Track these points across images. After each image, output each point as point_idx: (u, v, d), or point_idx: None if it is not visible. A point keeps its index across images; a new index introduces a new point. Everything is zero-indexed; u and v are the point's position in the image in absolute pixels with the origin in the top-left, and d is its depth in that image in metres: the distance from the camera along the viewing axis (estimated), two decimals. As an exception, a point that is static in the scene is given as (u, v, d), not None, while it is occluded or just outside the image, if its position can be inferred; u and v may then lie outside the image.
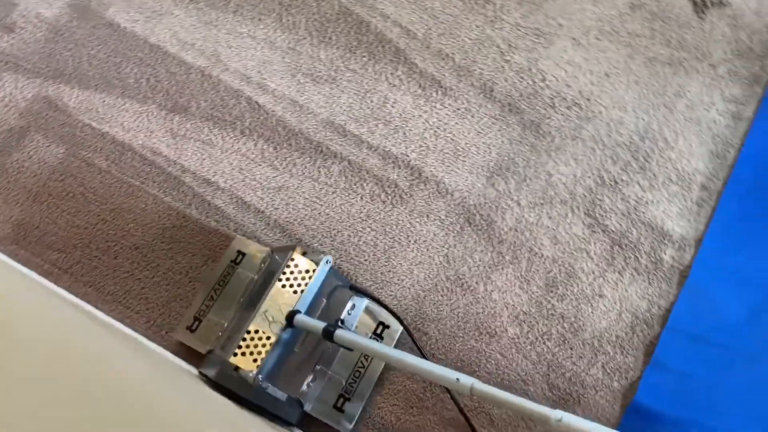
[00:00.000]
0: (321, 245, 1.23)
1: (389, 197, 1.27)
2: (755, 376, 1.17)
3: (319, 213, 1.25)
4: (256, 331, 1.00)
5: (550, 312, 1.19)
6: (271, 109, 1.33)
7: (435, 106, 1.34)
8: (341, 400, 1.09)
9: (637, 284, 1.22)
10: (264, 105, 1.33)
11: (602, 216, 1.27)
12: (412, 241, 1.24)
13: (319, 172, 1.29)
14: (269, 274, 1.11)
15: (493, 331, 1.18)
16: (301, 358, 1.07)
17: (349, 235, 1.24)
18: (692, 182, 1.29)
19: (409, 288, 1.20)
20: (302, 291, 1.05)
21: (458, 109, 1.34)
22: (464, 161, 1.30)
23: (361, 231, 1.24)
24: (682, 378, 1.16)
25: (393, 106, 1.34)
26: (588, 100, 1.34)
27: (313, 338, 1.08)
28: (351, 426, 1.08)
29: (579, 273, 1.22)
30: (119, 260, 1.21)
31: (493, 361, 1.16)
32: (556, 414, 0.66)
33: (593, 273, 1.22)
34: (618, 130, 1.32)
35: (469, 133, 1.32)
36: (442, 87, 1.36)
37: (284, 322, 1.01)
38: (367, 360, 1.12)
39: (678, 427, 1.12)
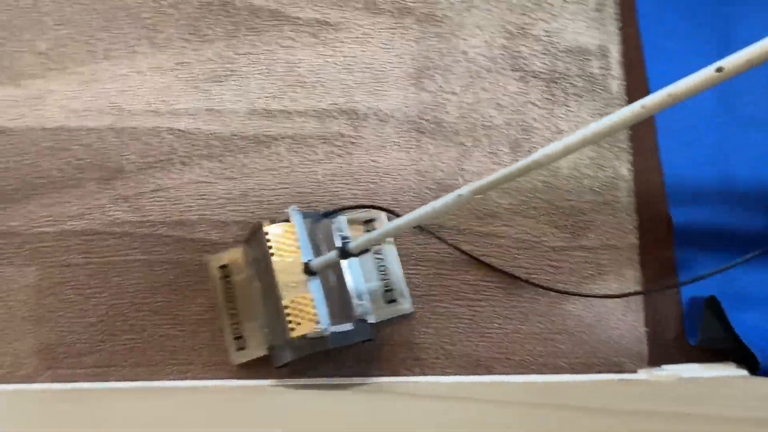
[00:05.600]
0: (309, 221, 1.28)
1: (342, 149, 1.32)
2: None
3: (292, 195, 1.30)
4: (292, 302, 1.09)
5: (526, 169, 1.29)
6: (194, 128, 1.34)
7: (335, 46, 1.36)
8: (388, 294, 1.22)
9: (584, 106, 1.32)
10: (186, 128, 1.34)
11: (526, 65, 1.34)
12: (383, 175, 1.30)
13: (270, 160, 1.32)
14: (258, 260, 1.19)
15: (491, 211, 1.27)
16: (339, 289, 1.16)
17: (330, 199, 1.29)
18: (584, -7, 1.36)
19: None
20: (297, 247, 1.13)
21: (357, 38, 1.37)
22: (387, 81, 1.34)
23: (335, 190, 1.30)
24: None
25: (299, 66, 1.36)
26: (461, -32, 1.38)
27: (336, 269, 1.18)
28: (410, 305, 1.22)
29: (533, 123, 1.31)
30: (148, 331, 1.26)
31: (502, 238, 1.26)
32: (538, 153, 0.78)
33: (544, 117, 1.31)
34: (501, -19, 1.37)
35: (377, 55, 1.36)
36: (330, 25, 1.37)
37: (305, 276, 1.10)
38: (381, 255, 1.25)
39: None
